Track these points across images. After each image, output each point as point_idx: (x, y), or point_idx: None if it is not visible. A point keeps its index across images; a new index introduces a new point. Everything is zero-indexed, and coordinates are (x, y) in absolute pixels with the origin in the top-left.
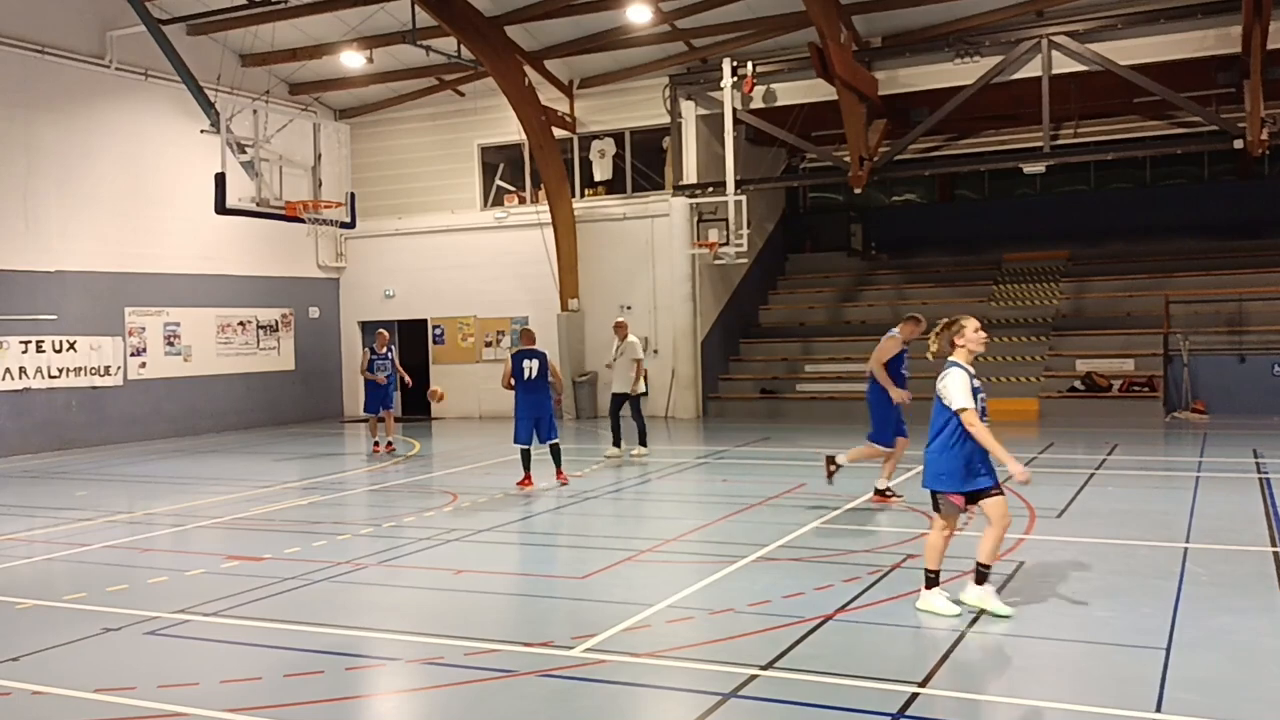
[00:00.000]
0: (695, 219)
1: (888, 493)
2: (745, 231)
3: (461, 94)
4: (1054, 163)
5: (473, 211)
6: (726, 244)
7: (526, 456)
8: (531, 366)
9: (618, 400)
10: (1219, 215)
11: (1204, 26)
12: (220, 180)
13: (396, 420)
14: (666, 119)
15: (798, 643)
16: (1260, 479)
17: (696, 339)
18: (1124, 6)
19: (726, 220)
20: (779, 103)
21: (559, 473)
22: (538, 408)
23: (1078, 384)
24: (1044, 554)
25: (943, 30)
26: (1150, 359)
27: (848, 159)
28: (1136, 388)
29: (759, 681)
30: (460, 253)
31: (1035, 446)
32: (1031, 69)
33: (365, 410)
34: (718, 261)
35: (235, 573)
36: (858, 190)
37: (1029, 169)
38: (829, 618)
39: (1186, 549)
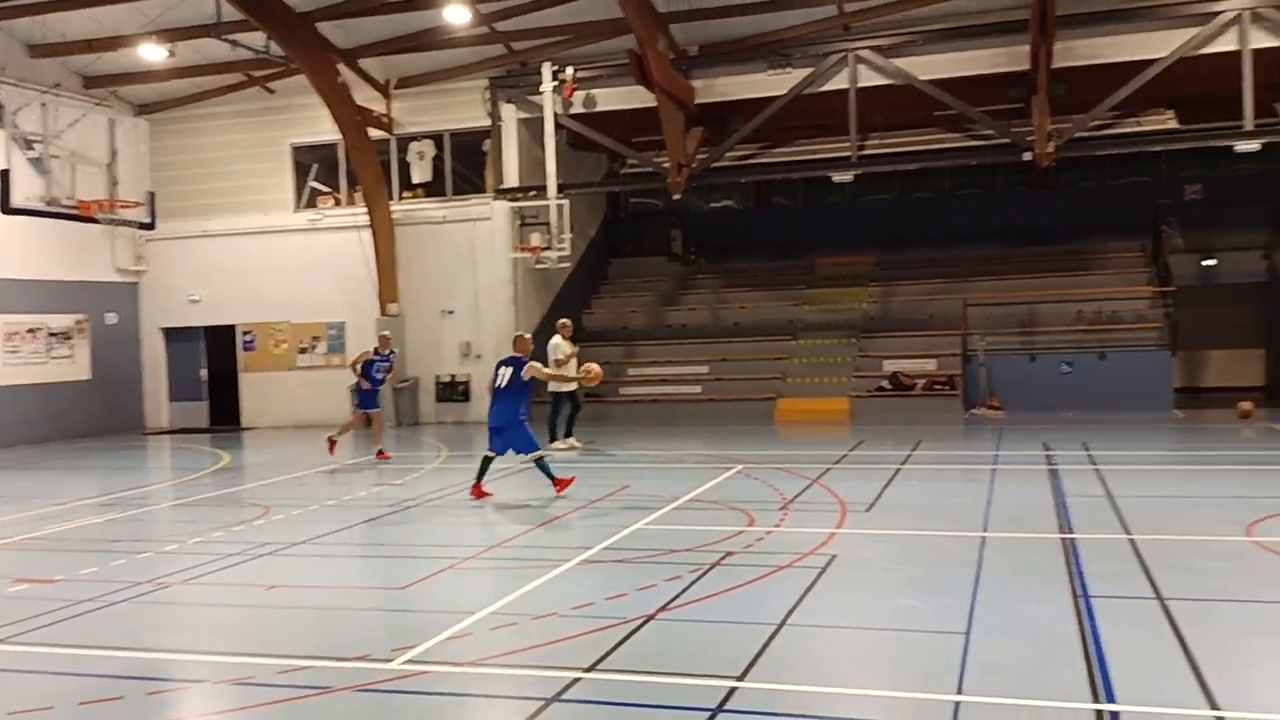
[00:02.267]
0: (517, 223)
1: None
2: (567, 236)
3: (271, 91)
4: (861, 172)
5: (285, 213)
6: (548, 248)
7: (483, 465)
8: (504, 374)
9: (556, 400)
10: (1012, 223)
11: (997, 45)
12: (4, 177)
13: (204, 431)
14: (487, 121)
15: (620, 644)
16: (1049, 470)
17: None
18: (924, 24)
19: (548, 224)
20: (600, 108)
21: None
22: (496, 417)
23: (885, 383)
24: (854, 546)
25: (756, 42)
26: (951, 359)
27: (667, 165)
28: (939, 386)
29: (581, 684)
30: (272, 255)
31: (847, 444)
32: (839, 81)
33: (364, 409)
34: (540, 266)
35: (26, 596)
36: (677, 196)
37: (838, 177)
38: (651, 617)
39: (985, 538)
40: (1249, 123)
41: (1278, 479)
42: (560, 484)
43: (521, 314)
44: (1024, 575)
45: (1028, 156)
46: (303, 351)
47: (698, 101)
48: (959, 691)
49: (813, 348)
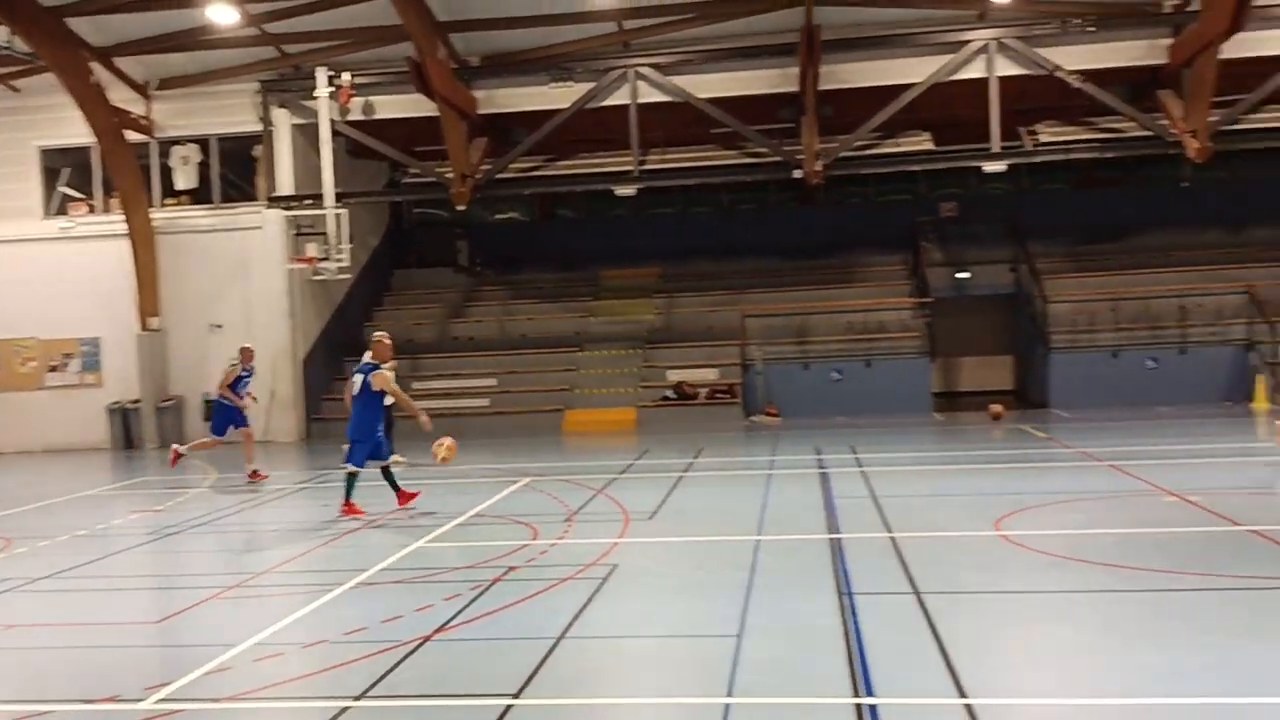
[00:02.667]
0: (292, 232)
1: None
2: (347, 246)
3: (16, 89)
4: (642, 186)
5: (33, 220)
6: (327, 259)
7: (348, 481)
8: (356, 381)
9: None
10: (786, 238)
11: (768, 67)
12: None
13: None
14: (258, 126)
15: (394, 668)
16: (821, 473)
17: (296, 358)
18: (701, 44)
19: (326, 234)
20: (379, 116)
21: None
22: (350, 428)
23: (670, 393)
24: (636, 554)
25: (538, 55)
26: (731, 368)
27: (450, 175)
28: (720, 395)
29: (351, 713)
30: (18, 266)
31: (632, 454)
32: (621, 97)
33: (214, 433)
34: (318, 277)
35: None
36: (462, 207)
37: (620, 191)
38: (428, 638)
39: (759, 541)
40: (996, 145)
41: (1023, 476)
42: (349, 509)
43: (299, 328)
44: (794, 575)
45: (798, 174)
46: (53, 369)
47: (480, 112)
48: (729, 694)
49: (599, 359)
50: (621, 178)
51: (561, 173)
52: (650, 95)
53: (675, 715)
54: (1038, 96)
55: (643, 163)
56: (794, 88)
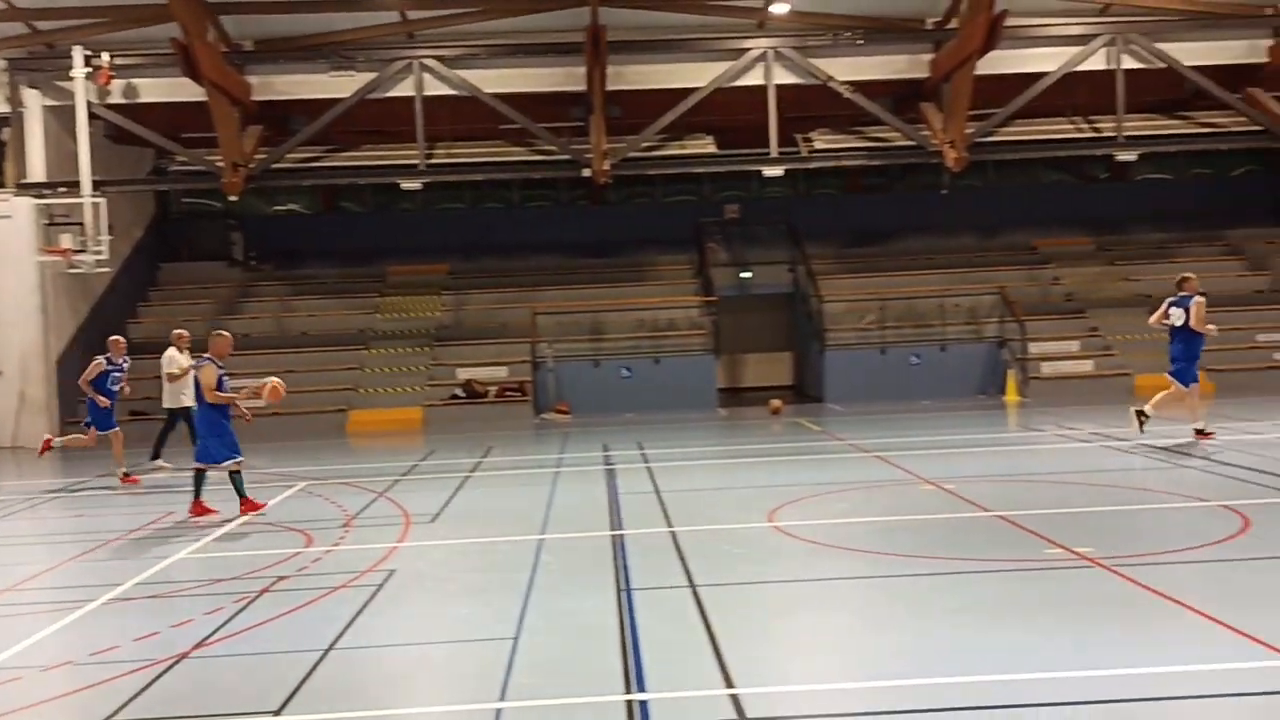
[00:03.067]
0: (45, 222)
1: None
2: (106, 237)
3: None
4: (429, 180)
5: None
6: (83, 251)
7: (196, 479)
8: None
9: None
10: (577, 236)
11: (557, 65)
12: None
13: None
14: (6, 107)
15: (145, 689)
16: (607, 470)
17: (50, 358)
18: (488, 39)
19: (83, 224)
20: (143, 99)
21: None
22: (199, 424)
23: (459, 391)
24: (416, 559)
25: (317, 41)
26: (521, 366)
27: (221, 164)
28: (510, 393)
29: None
30: None
31: (418, 454)
32: (405, 88)
33: (99, 429)
34: (74, 270)
35: None
36: (234, 197)
37: (406, 185)
38: (185, 656)
39: (542, 540)
40: (774, 150)
41: (797, 468)
42: (247, 505)
43: (52, 326)
44: (575, 574)
45: (586, 173)
46: None
47: (255, 99)
48: (502, 698)
49: (385, 357)
50: (407, 171)
51: (344, 164)
52: (437, 88)
53: None
54: (813, 105)
55: (430, 156)
56: (582, 87)
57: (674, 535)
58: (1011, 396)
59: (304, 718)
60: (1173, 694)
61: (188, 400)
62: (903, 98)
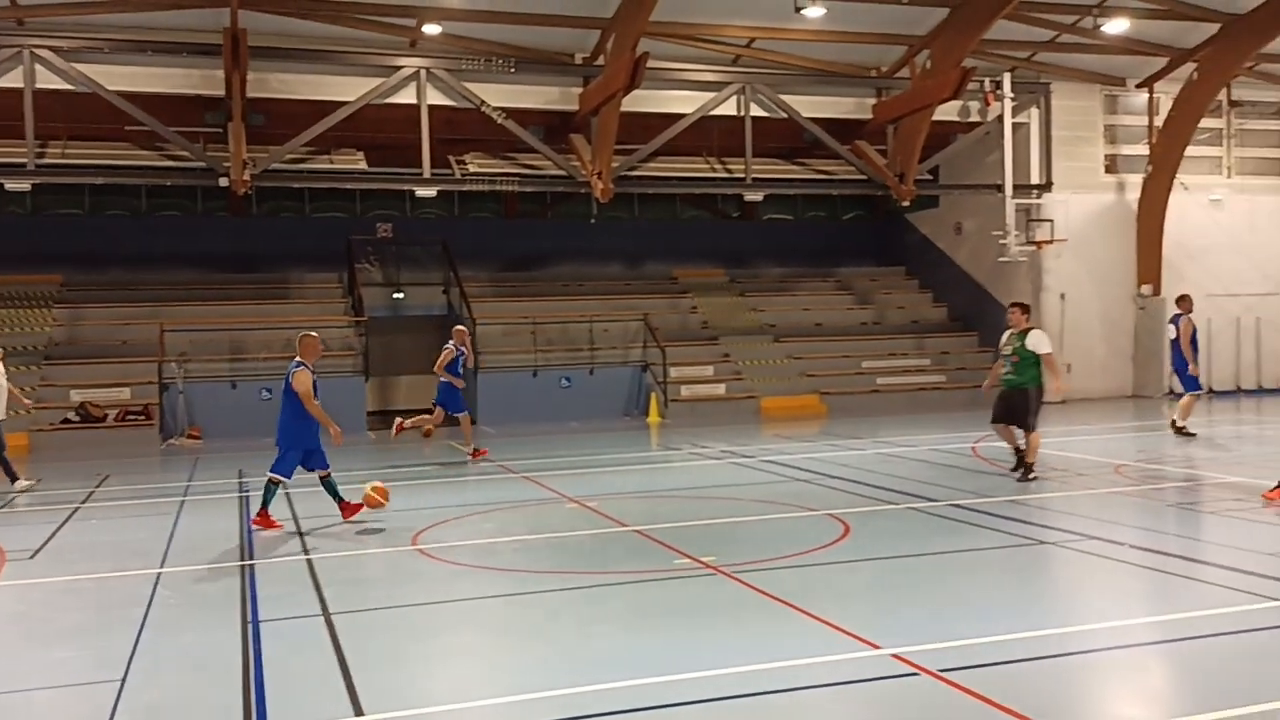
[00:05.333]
0: None
1: None
2: None
3: None
4: (39, 181)
5: None
6: None
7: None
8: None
9: None
10: (215, 248)
11: (191, 66)
12: None
13: None
14: None
15: None
16: (241, 497)
17: None
18: (113, 32)
19: None
20: None
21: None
22: (278, 434)
23: (72, 415)
24: (11, 600)
25: None
26: (147, 387)
27: None
28: (133, 416)
29: None
30: None
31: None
32: (14, 79)
33: (450, 410)
34: None
35: None
36: None
37: (11, 185)
38: None
39: (160, 574)
40: (427, 171)
41: (446, 490)
42: (348, 508)
43: None
44: (196, 608)
45: (224, 182)
46: None
47: None
48: None
49: None
50: (14, 170)
51: None
52: (50, 81)
53: None
54: (466, 128)
55: (41, 155)
56: (220, 91)
57: (310, 563)
58: (654, 417)
59: None
60: (786, 687)
61: None
62: (554, 128)
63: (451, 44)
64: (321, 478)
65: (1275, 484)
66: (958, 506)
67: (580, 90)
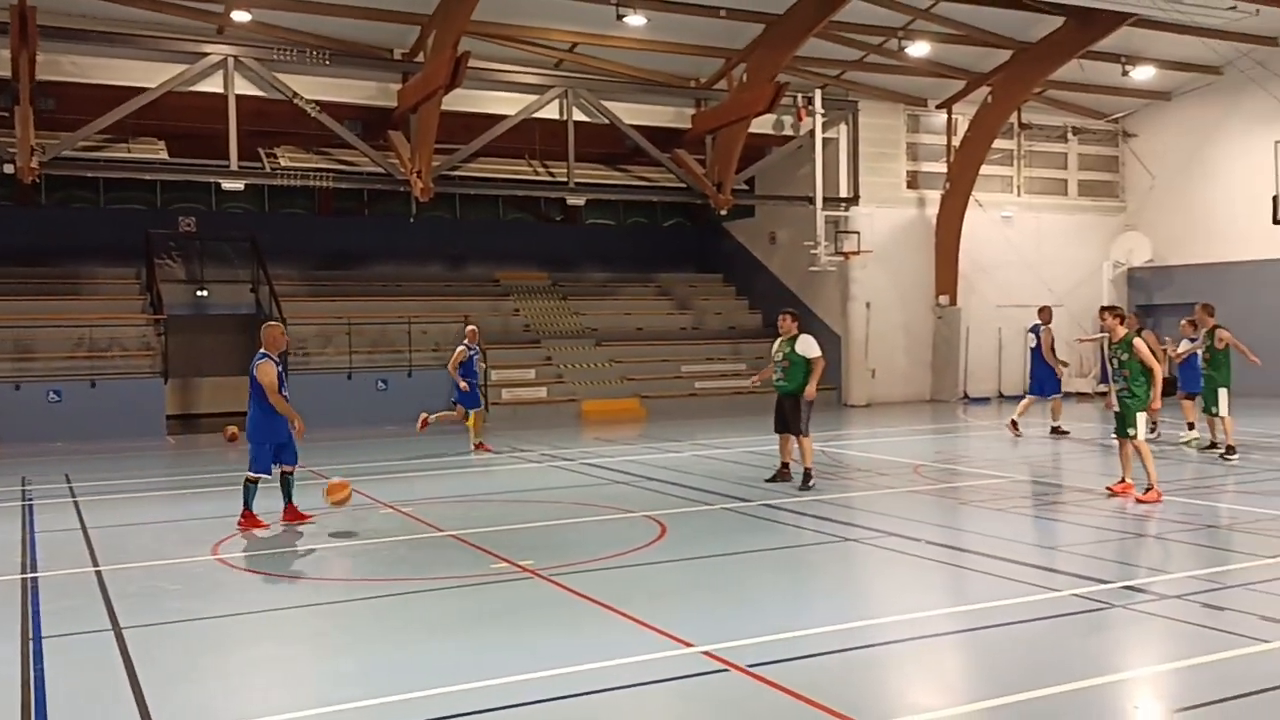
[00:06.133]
0: None
1: None
2: None
3: None
4: None
5: None
6: None
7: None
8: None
9: None
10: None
11: None
12: None
13: None
14: None
15: None
16: (24, 505)
17: None
18: None
19: None
20: None
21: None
22: (249, 429)
23: None
24: None
25: None
26: None
27: None
28: None
29: None
30: None
31: None
32: None
33: (465, 405)
34: None
35: None
36: None
37: None
38: None
39: None
40: (234, 163)
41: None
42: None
43: None
44: None
45: (10, 169)
46: None
47: None
48: None
49: None
50: None
51: None
52: None
53: None
54: (278, 120)
55: None
56: (6, 73)
57: (100, 575)
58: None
59: None
60: (599, 688)
61: None
62: (372, 123)
63: (262, 32)
64: (284, 472)
65: (1119, 480)
66: (770, 506)
67: (399, 86)
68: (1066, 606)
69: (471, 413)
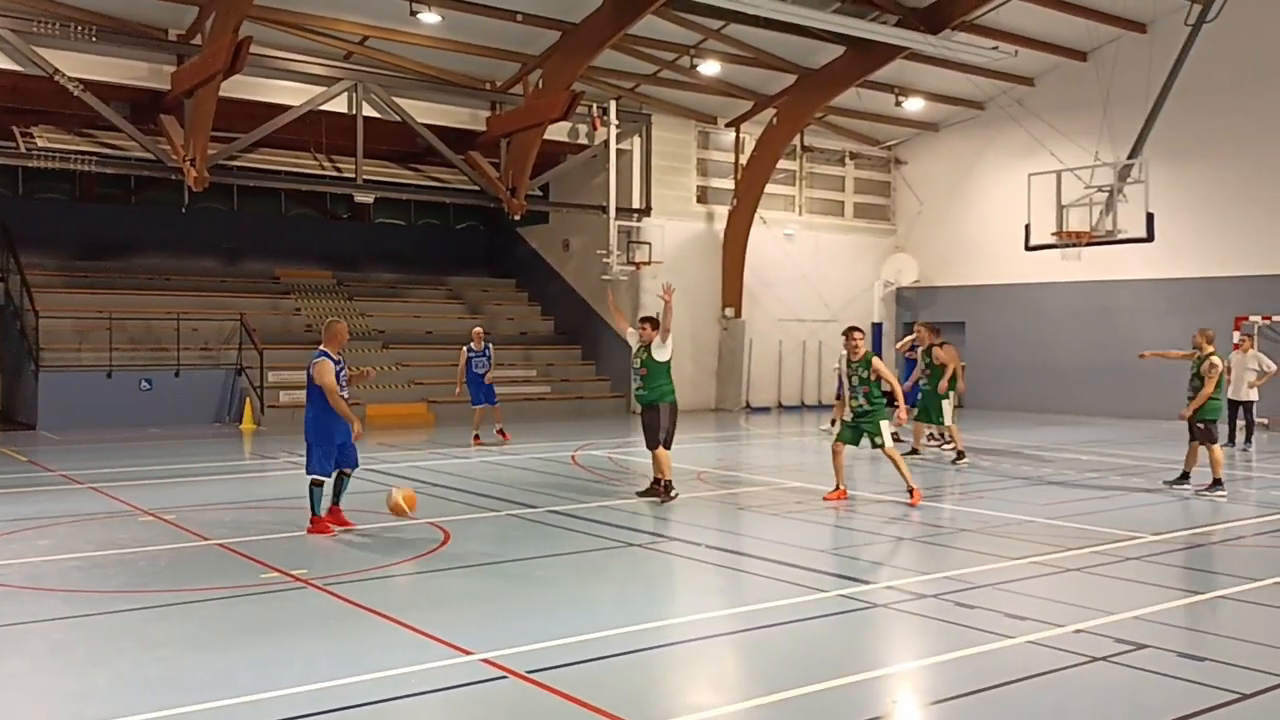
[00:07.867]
0: None
1: None
2: None
3: None
4: None
5: None
6: None
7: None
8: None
9: None
10: None
11: None
12: None
13: None
14: None
15: None
16: None
17: None
18: None
19: None
20: None
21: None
22: (307, 429)
23: None
24: None
25: None
26: None
27: None
28: None
29: None
30: None
31: None
32: None
33: (474, 403)
34: None
35: None
36: None
37: None
38: None
39: None
40: None
41: None
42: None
43: None
44: None
45: None
46: None
47: None
48: None
49: None
50: None
51: None
52: None
53: None
54: (37, 97)
55: None
56: None
57: None
58: (249, 424)
59: None
60: (373, 699)
61: None
62: (142, 106)
63: (20, 3)
64: (343, 473)
65: (833, 488)
66: (555, 513)
67: (174, 69)
68: (834, 606)
69: (476, 409)
